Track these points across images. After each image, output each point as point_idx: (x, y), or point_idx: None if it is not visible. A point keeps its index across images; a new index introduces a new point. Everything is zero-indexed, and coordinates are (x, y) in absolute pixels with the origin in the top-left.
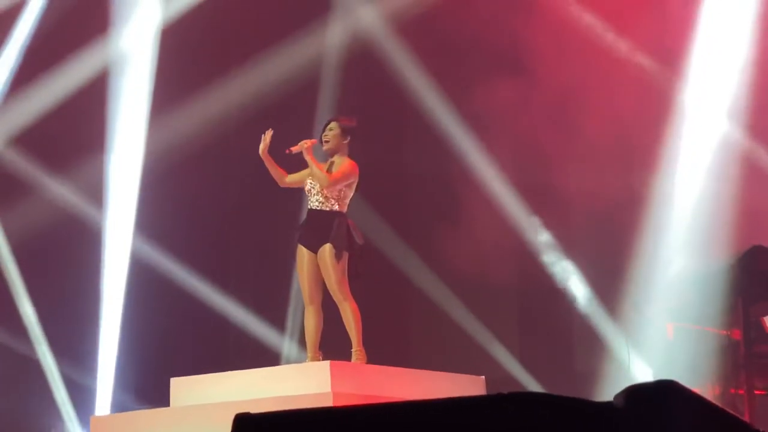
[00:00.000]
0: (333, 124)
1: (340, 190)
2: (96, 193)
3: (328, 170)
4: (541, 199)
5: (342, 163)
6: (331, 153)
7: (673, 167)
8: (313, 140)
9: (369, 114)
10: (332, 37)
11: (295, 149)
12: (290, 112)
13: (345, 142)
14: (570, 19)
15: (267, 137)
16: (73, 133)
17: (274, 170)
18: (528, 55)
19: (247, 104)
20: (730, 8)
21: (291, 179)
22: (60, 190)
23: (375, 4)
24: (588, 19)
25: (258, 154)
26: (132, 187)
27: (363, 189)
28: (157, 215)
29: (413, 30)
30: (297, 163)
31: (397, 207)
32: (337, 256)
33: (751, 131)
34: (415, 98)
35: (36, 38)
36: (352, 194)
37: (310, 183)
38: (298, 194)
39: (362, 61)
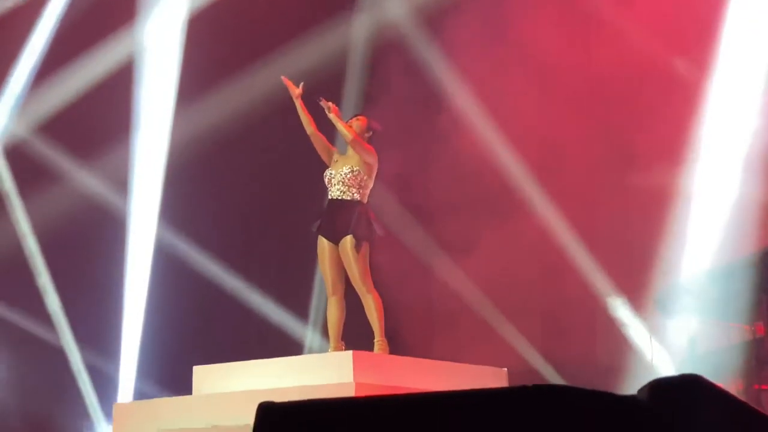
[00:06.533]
0: (361, 117)
1: (361, 179)
2: (121, 181)
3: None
4: (565, 195)
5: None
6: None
7: (699, 162)
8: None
9: (396, 104)
10: (359, 28)
11: (324, 103)
12: (316, 103)
13: (367, 135)
14: (596, 12)
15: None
16: (99, 122)
17: (305, 116)
18: (553, 49)
19: (273, 94)
20: (759, 4)
21: (317, 135)
22: (85, 179)
23: None
24: (615, 13)
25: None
26: (157, 175)
27: (389, 180)
28: (181, 204)
29: (440, 20)
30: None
31: (421, 198)
32: (358, 247)
33: None
34: (443, 90)
35: (63, 27)
36: (372, 184)
37: (330, 173)
38: (323, 184)
39: (389, 52)
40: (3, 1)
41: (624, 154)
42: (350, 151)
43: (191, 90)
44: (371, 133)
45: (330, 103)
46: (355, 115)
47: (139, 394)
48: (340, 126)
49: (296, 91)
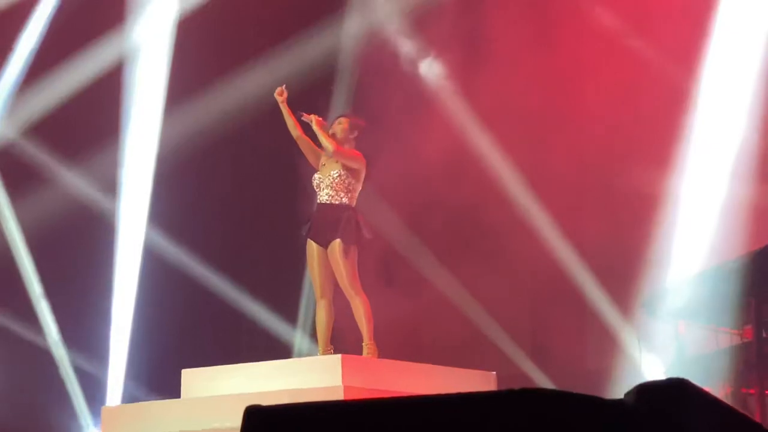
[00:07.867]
0: (342, 119)
1: (349, 183)
2: (110, 183)
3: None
4: (553, 196)
5: (350, 148)
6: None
7: (686, 165)
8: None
9: (384, 106)
10: (349, 30)
11: (306, 117)
12: (306, 105)
13: (352, 136)
14: (586, 13)
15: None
16: (88, 124)
17: (290, 120)
18: (543, 48)
19: (263, 96)
20: (748, 6)
21: (303, 139)
22: (74, 181)
23: None
24: (605, 14)
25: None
26: (146, 178)
27: (376, 182)
28: (170, 207)
29: (428, 22)
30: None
31: (409, 200)
32: (346, 251)
33: (767, 129)
34: (431, 91)
35: (52, 28)
36: (360, 188)
37: (319, 177)
38: (311, 187)
39: (378, 54)
40: None
41: (612, 157)
42: None
43: (181, 92)
44: (356, 133)
45: (312, 116)
46: (337, 118)
47: (128, 398)
48: (322, 139)
49: (283, 97)
